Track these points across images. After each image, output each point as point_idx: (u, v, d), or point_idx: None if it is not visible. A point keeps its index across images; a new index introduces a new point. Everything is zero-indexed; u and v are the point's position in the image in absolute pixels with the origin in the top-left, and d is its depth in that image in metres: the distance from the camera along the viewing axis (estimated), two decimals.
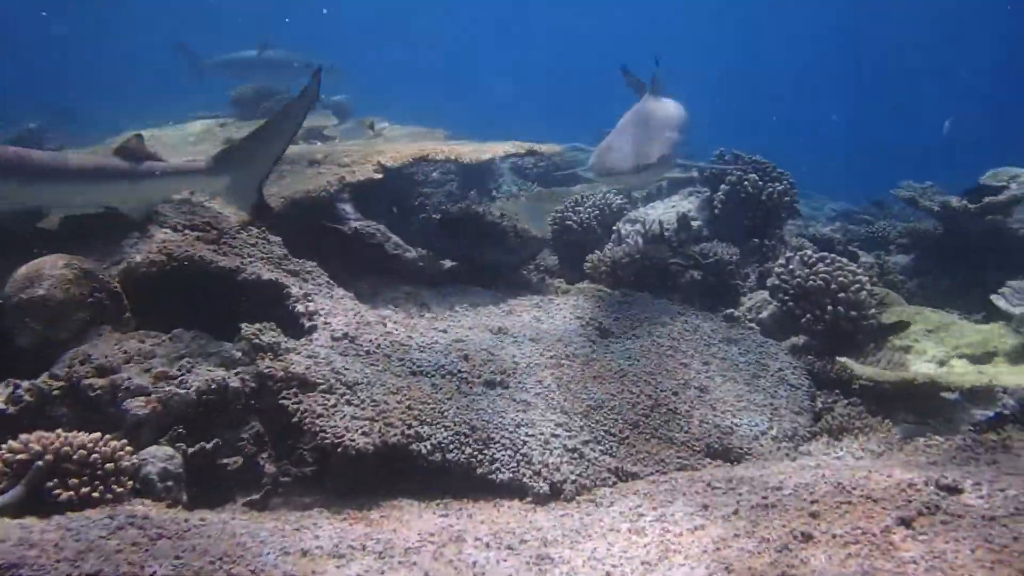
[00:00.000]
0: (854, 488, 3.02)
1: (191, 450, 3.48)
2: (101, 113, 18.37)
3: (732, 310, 6.61)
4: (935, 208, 8.43)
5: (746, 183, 8.00)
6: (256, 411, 3.95)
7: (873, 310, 5.82)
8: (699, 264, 7.38)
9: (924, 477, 3.05)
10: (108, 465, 3.02)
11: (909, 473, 3.14)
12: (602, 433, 4.40)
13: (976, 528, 2.62)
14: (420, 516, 3.48)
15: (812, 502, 2.98)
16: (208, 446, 3.53)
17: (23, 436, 3.02)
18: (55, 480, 2.92)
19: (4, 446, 3.00)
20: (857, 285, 5.77)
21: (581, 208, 8.53)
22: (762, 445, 4.45)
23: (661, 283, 7.18)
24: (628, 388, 4.89)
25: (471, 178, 11.30)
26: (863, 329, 5.74)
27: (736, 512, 3.07)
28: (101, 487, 2.96)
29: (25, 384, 3.50)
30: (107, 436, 3.19)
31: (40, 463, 2.89)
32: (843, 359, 5.28)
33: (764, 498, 3.11)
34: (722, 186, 8.29)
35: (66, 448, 2.96)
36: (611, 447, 4.30)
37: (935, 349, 5.66)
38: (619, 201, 9.10)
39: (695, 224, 8.65)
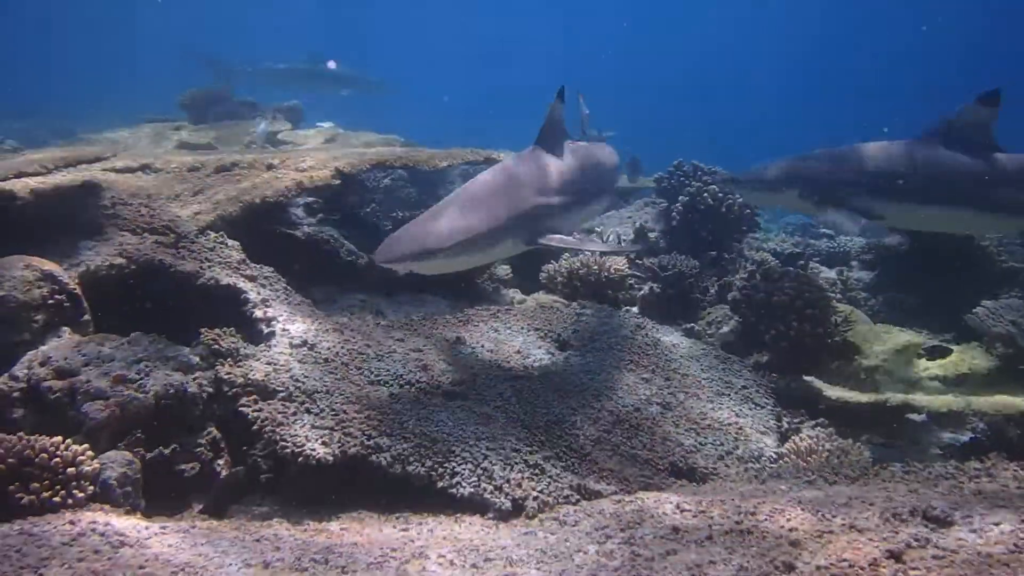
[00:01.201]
0: (834, 516, 3.14)
1: (149, 455, 3.52)
2: (42, 115, 17.80)
3: (692, 324, 6.89)
4: None
5: (706, 194, 8.35)
6: (213, 417, 3.99)
7: (840, 327, 6.14)
8: (657, 276, 7.67)
9: (909, 507, 3.09)
10: (70, 470, 3.05)
11: (891, 502, 3.24)
12: (564, 449, 4.54)
13: (974, 567, 2.54)
14: (380, 530, 3.54)
15: (790, 529, 3.07)
16: (166, 452, 3.55)
17: None
18: (17, 484, 2.92)
19: None
20: (824, 301, 6.10)
21: None
22: (728, 466, 4.68)
23: (617, 296, 7.42)
24: (589, 403, 5.06)
25: (422, 185, 11.39)
26: (828, 347, 6.04)
27: (710, 537, 3.17)
28: (63, 492, 2.99)
29: None
30: (68, 440, 3.20)
31: (2, 466, 2.89)
32: (809, 378, 5.57)
33: (738, 523, 3.24)
34: (680, 197, 8.62)
35: (28, 451, 2.99)
36: (573, 463, 4.44)
37: (905, 370, 5.98)
38: None
39: (652, 236, 8.98)
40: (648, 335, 6.23)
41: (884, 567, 2.70)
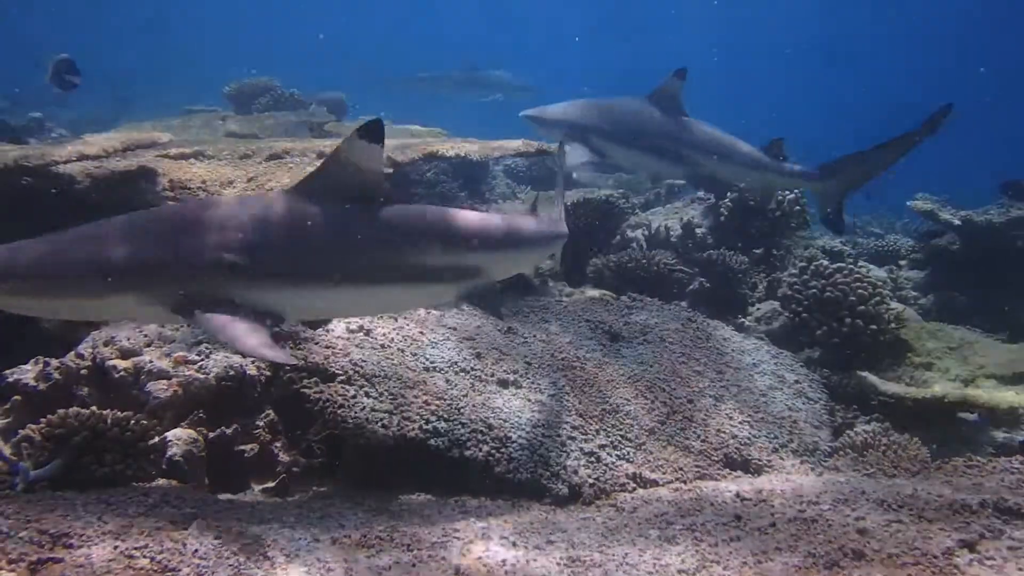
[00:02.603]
0: (901, 506, 3.10)
1: (211, 435, 3.57)
2: (88, 104, 18.31)
3: (742, 319, 6.81)
4: (955, 222, 8.64)
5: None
6: (270, 399, 4.04)
7: (892, 325, 6.04)
8: (706, 271, 7.60)
9: (978, 499, 3.07)
10: (140, 444, 3.12)
11: (959, 494, 3.20)
12: (618, 438, 4.53)
13: None
14: (439, 511, 3.57)
15: (857, 519, 3.03)
16: (228, 432, 3.61)
17: (61, 411, 3.14)
18: (91, 456, 3.00)
19: (43, 420, 3.10)
20: (877, 298, 6.00)
21: (582, 211, 8.70)
22: (782, 458, 4.62)
23: (666, 290, 7.37)
24: (642, 393, 5.04)
25: (465, 179, 11.43)
26: (881, 344, 5.95)
27: (773, 525, 3.14)
28: (135, 465, 3.05)
29: (54, 362, 3.60)
30: (138, 415, 3.27)
31: (77, 438, 2.98)
32: (863, 373, 5.48)
33: (801, 511, 3.21)
34: (729, 193, 8.52)
35: (101, 425, 3.08)
36: (628, 452, 4.42)
37: (959, 368, 5.85)
38: (622, 204, 9.29)
39: (699, 231, 8.89)
40: (700, 328, 6.17)
41: (959, 556, 2.69)
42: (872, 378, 5.47)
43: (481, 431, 4.10)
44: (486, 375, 4.76)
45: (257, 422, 4.03)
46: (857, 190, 6.61)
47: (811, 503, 3.34)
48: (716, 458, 4.56)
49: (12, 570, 2.09)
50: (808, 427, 5.07)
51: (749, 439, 4.79)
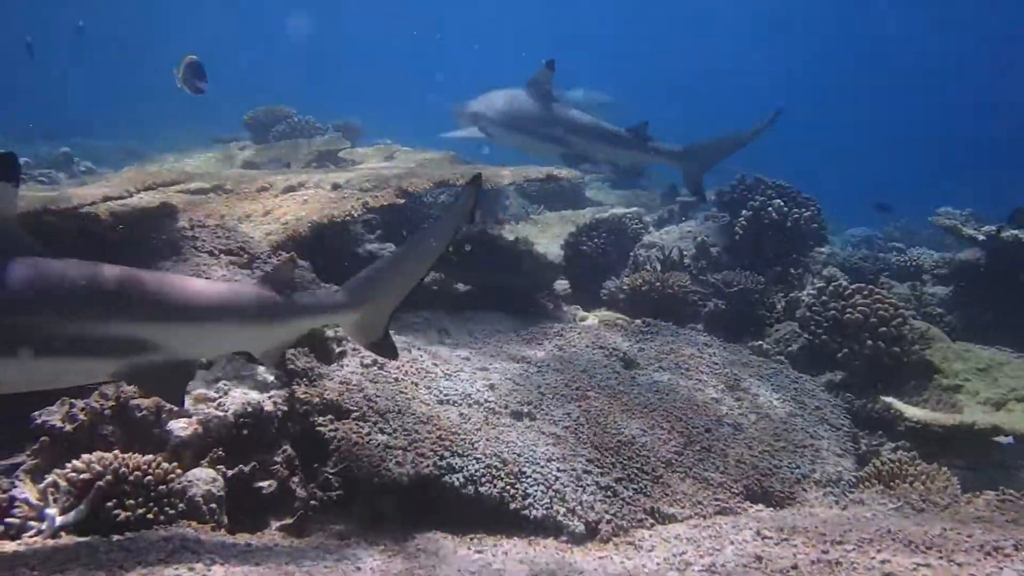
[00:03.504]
0: (929, 548, 3.03)
1: (230, 472, 3.61)
2: (108, 133, 18.58)
3: (760, 342, 6.77)
4: (980, 238, 8.52)
5: (770, 209, 8.21)
6: (287, 435, 4.08)
7: (916, 346, 5.95)
8: (722, 293, 7.57)
9: (1012, 541, 3.00)
10: (161, 487, 3.16)
11: (991, 534, 3.13)
12: (635, 471, 4.50)
13: None
14: (455, 551, 3.56)
15: (883, 561, 2.98)
16: (246, 469, 3.65)
17: (85, 456, 3.19)
18: (114, 500, 3.06)
19: (68, 466, 3.17)
20: (899, 319, 5.93)
21: (595, 233, 8.71)
22: (805, 490, 4.57)
23: (681, 312, 7.35)
24: (659, 423, 5.01)
25: (478, 200, 11.48)
26: (905, 366, 5.87)
27: (795, 567, 3.10)
28: (155, 508, 3.11)
29: (80, 404, 3.65)
30: (159, 458, 3.33)
31: (101, 483, 3.03)
32: (888, 399, 5.41)
33: (824, 552, 3.16)
34: (743, 211, 8.50)
35: (123, 469, 3.12)
36: (645, 486, 4.39)
37: (989, 390, 5.73)
38: (634, 226, 9.30)
39: (714, 250, 8.86)
40: (716, 353, 6.15)
41: None
42: (897, 403, 5.39)
43: (496, 466, 4.09)
44: (500, 407, 4.77)
45: (275, 458, 4.03)
46: (710, 169, 7.89)
47: (835, 543, 3.29)
48: (736, 490, 4.52)
49: None
50: (831, 455, 5.01)
51: (770, 469, 4.74)
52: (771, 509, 4.34)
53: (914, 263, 10.04)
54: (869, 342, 5.83)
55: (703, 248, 8.51)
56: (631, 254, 8.68)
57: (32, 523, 3.05)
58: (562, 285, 8.38)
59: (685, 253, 8.47)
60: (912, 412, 5.27)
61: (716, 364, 5.96)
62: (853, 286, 6.40)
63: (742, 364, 6.06)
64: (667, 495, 4.35)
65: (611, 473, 4.40)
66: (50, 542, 2.88)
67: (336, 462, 4.15)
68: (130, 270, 3.04)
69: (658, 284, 7.40)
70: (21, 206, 5.03)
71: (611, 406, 5.13)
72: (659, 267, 8.15)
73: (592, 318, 7.32)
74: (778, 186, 8.62)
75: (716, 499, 4.39)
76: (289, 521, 3.82)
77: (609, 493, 4.23)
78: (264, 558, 2.93)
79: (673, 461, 4.66)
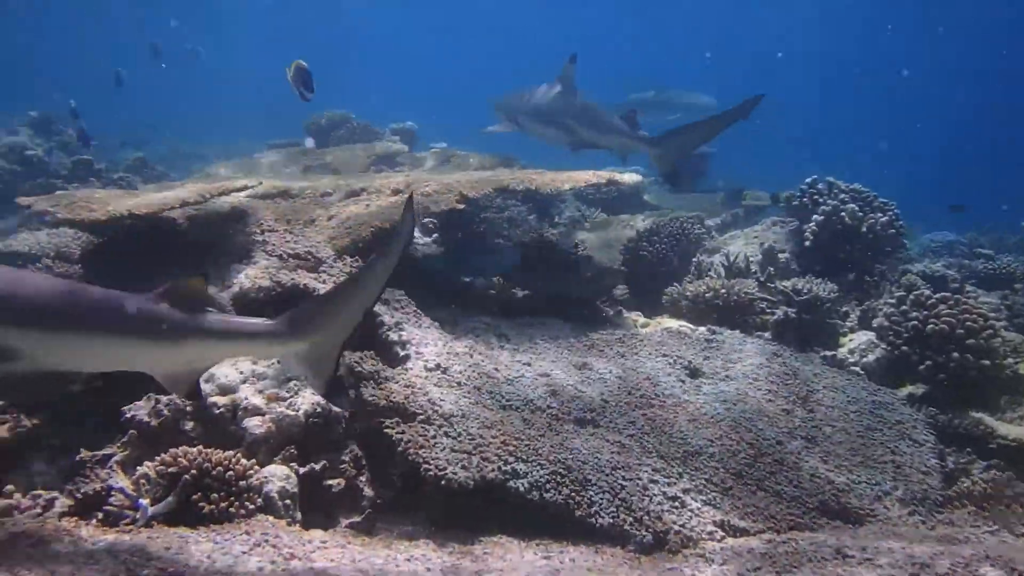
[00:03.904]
0: None
1: (302, 470, 3.75)
2: (176, 138, 19.28)
3: (833, 352, 6.63)
4: None
5: (843, 213, 8.04)
6: (354, 435, 4.21)
7: (1009, 359, 5.73)
8: (791, 301, 7.43)
9: None
10: (241, 482, 3.32)
11: None
12: (703, 482, 4.48)
13: None
14: (522, 556, 3.60)
15: None
16: (317, 467, 3.78)
17: (172, 451, 3.43)
18: (199, 494, 3.26)
19: (157, 459, 3.38)
20: (990, 331, 5.72)
21: (656, 238, 8.66)
22: (887, 508, 4.46)
23: (748, 320, 7.24)
24: (727, 434, 4.96)
25: (534, 203, 11.54)
26: (996, 380, 5.66)
27: None
28: (236, 503, 3.26)
29: (164, 399, 3.88)
30: (238, 455, 3.49)
31: (187, 477, 3.21)
32: (978, 414, 5.21)
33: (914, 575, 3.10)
34: (814, 216, 8.33)
35: (207, 464, 3.31)
36: (714, 498, 4.36)
37: None
38: (696, 231, 9.21)
39: (782, 256, 8.71)
40: (786, 363, 6.05)
41: None
42: (987, 420, 5.19)
43: (560, 473, 4.13)
44: (563, 413, 4.80)
45: (343, 457, 4.18)
46: (686, 156, 8.53)
47: (924, 566, 3.21)
48: (811, 505, 4.44)
49: None
50: (915, 472, 4.86)
51: (847, 485, 4.64)
52: (850, 526, 4.24)
53: (1005, 271, 9.62)
54: (955, 354, 5.63)
55: (771, 254, 8.38)
56: (693, 260, 8.59)
57: (127, 512, 3.25)
58: (621, 289, 8.36)
59: (751, 259, 8.34)
60: (1007, 430, 5.06)
61: (786, 374, 5.86)
62: (937, 296, 6.20)
63: (814, 375, 5.94)
64: (737, 508, 4.31)
65: (678, 483, 4.39)
66: (144, 531, 3.05)
67: (401, 463, 4.26)
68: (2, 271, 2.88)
69: (723, 291, 7.31)
70: (108, 210, 5.36)
71: (676, 415, 5.11)
72: (724, 273, 8.06)
73: (653, 325, 7.29)
74: (852, 190, 8.43)
75: (790, 513, 4.33)
76: (357, 519, 3.95)
77: (677, 504, 4.22)
78: (338, 555, 3.04)
79: (743, 473, 4.62)
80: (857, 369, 6.39)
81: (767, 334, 7.14)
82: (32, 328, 2.77)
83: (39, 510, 3.53)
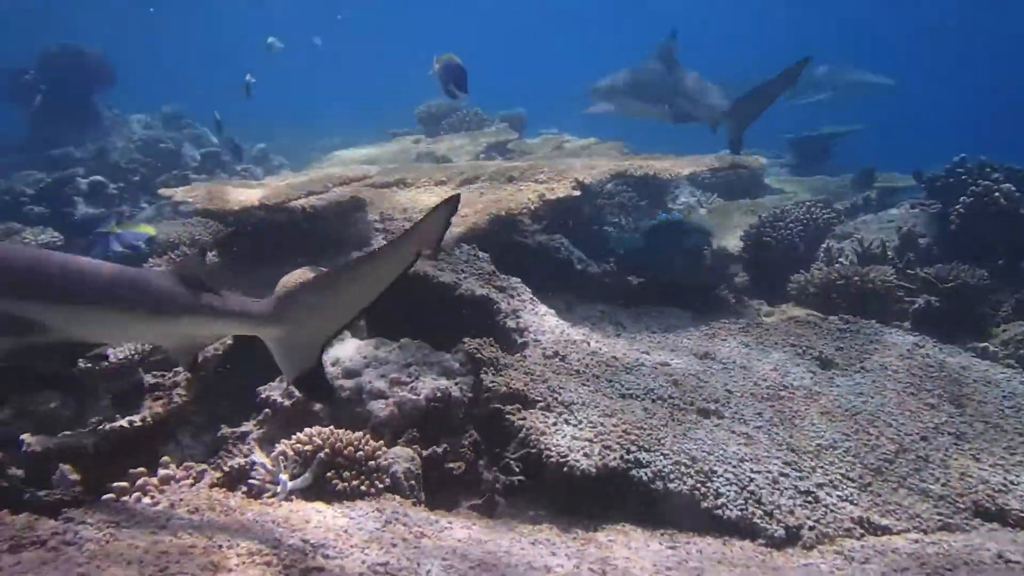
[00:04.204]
0: None
1: (425, 453, 3.88)
2: (292, 129, 20.25)
3: (984, 344, 6.19)
4: None
5: (997, 194, 7.46)
6: (471, 420, 4.30)
7: None
8: (934, 288, 6.98)
9: None
10: (370, 462, 3.48)
11: None
12: (838, 476, 4.29)
13: None
14: (647, 545, 3.58)
15: None
16: (439, 450, 3.90)
17: (307, 430, 3.65)
18: (332, 471, 3.46)
19: (294, 438, 3.60)
20: None
21: (781, 223, 8.33)
22: None
23: (884, 309, 6.86)
24: (863, 428, 4.73)
25: (645, 189, 11.37)
26: None
27: None
28: (367, 481, 3.42)
29: None
30: (367, 436, 3.66)
31: (322, 455, 3.40)
32: None
33: None
34: (962, 198, 7.79)
35: (339, 444, 3.50)
36: (851, 494, 4.17)
37: None
38: (825, 215, 8.79)
39: (923, 242, 8.20)
40: (929, 355, 5.69)
41: None
42: None
43: (684, 463, 4.06)
44: (685, 403, 4.72)
45: (463, 441, 4.28)
46: (751, 123, 8.33)
47: None
48: (962, 505, 4.16)
49: (287, 574, 2.44)
50: None
51: (1005, 485, 4.32)
52: (1009, 529, 3.95)
53: None
54: None
55: (909, 239, 7.90)
56: (822, 246, 8.22)
57: (268, 485, 3.47)
58: (742, 279, 8.12)
59: (887, 244, 7.89)
60: None
61: (930, 367, 5.51)
62: None
63: (962, 368, 5.56)
64: (878, 504, 4.10)
65: (811, 477, 4.22)
66: (286, 504, 3.25)
67: (517, 448, 4.33)
68: (18, 248, 3.04)
69: (856, 278, 6.95)
70: (240, 200, 5.75)
71: (808, 407, 4.92)
72: (856, 259, 7.66)
73: (778, 314, 7.04)
74: (1007, 168, 7.80)
75: (939, 514, 4.07)
76: (478, 502, 4.04)
77: (810, 498, 4.06)
78: (465, 535, 3.12)
79: (883, 469, 4.39)
80: (1012, 362, 5.93)
81: (906, 324, 6.75)
82: (56, 303, 2.96)
83: (191, 481, 3.85)
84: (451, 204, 2.85)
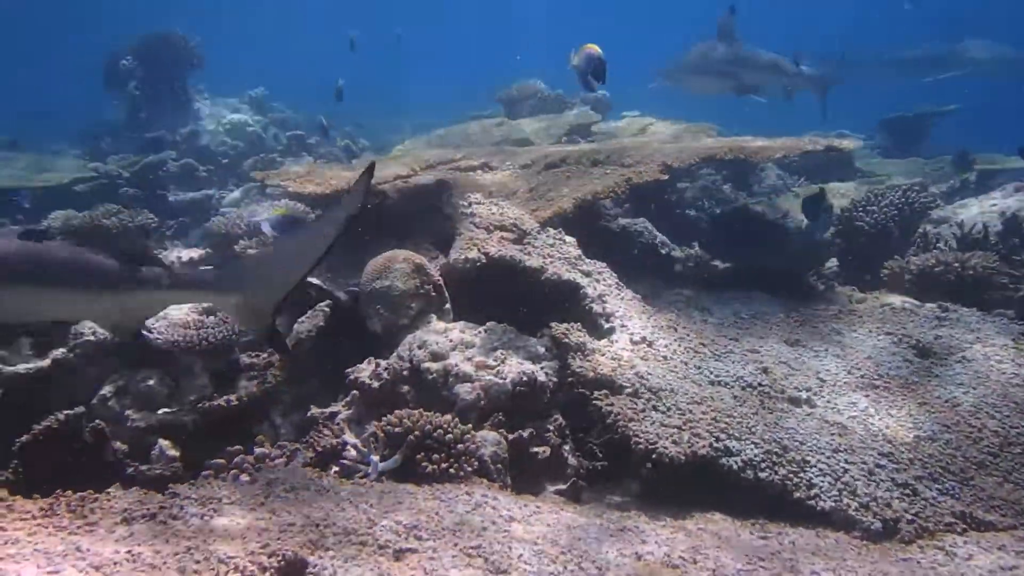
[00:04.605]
0: None
1: (511, 437, 3.91)
2: (373, 114, 20.56)
3: None
4: None
5: None
6: (556, 404, 4.32)
7: None
8: None
9: None
10: (459, 446, 3.54)
11: None
12: (938, 470, 4.12)
13: None
14: (737, 535, 3.53)
15: None
16: (524, 434, 3.93)
17: (397, 412, 3.73)
18: (422, 454, 3.48)
19: (384, 420, 3.67)
20: None
21: (875, 207, 7.98)
22: None
23: (987, 297, 6.51)
24: (965, 420, 4.53)
25: (730, 171, 11.08)
26: None
27: None
28: (456, 464, 3.47)
29: (383, 363, 4.22)
30: (456, 419, 3.72)
31: (411, 438, 3.48)
32: None
33: None
34: None
35: (428, 426, 3.55)
36: (952, 487, 4.00)
37: None
38: (921, 199, 8.37)
39: None
40: None
41: None
42: None
43: (776, 452, 3.98)
44: (775, 391, 4.61)
45: (547, 426, 4.30)
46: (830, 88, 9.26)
47: None
48: None
49: (382, 554, 2.50)
50: None
51: None
52: None
53: None
54: None
55: (1015, 223, 7.44)
56: (918, 231, 7.83)
57: (360, 465, 3.57)
58: (832, 264, 7.83)
59: (990, 228, 7.47)
60: None
61: None
62: None
63: None
64: (980, 499, 3.92)
65: (909, 470, 4.07)
66: (377, 485, 3.34)
67: (601, 431, 4.32)
68: None
69: (956, 264, 6.60)
70: (330, 183, 5.89)
71: (904, 397, 4.74)
72: (956, 245, 7.28)
73: (871, 301, 6.76)
74: None
75: None
76: (563, 487, 4.06)
77: (908, 491, 3.92)
78: (553, 522, 3.14)
79: (987, 463, 4.19)
80: None
81: (1010, 312, 6.38)
82: (8, 285, 3.05)
83: (284, 460, 3.99)
84: (369, 172, 3.11)
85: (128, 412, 4.62)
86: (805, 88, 9.82)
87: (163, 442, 4.34)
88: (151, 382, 4.77)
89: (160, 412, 4.64)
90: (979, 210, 8.48)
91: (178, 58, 15.65)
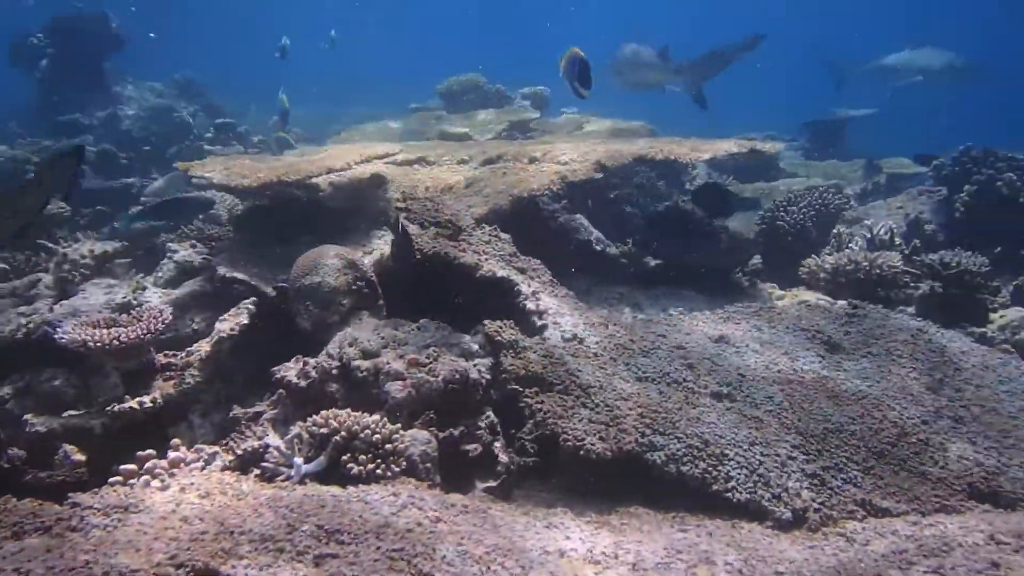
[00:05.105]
0: None
1: (442, 435, 3.92)
2: (310, 102, 19.98)
3: (983, 329, 6.21)
4: None
5: (1000, 183, 7.43)
6: (489, 402, 4.35)
7: None
8: (938, 274, 6.99)
9: None
10: (387, 446, 3.53)
11: None
12: (844, 460, 4.35)
13: None
14: (659, 528, 3.65)
15: None
16: (455, 432, 3.95)
17: (323, 413, 3.64)
18: (348, 455, 3.47)
19: (309, 420, 3.60)
20: None
21: (794, 208, 8.32)
22: None
23: (891, 295, 6.88)
24: (869, 412, 4.78)
25: (663, 169, 11.30)
26: None
27: None
28: (383, 465, 3.47)
29: (312, 362, 4.15)
30: (384, 419, 3.70)
31: (337, 439, 3.44)
32: None
33: None
34: (966, 186, 7.76)
35: (355, 427, 3.52)
36: (855, 476, 4.23)
37: None
38: (836, 200, 8.76)
39: (929, 228, 8.18)
40: (932, 340, 5.71)
41: None
42: None
43: (697, 447, 4.13)
44: (699, 387, 4.77)
45: (479, 423, 4.31)
46: (707, 81, 9.06)
47: None
48: (958, 488, 4.23)
49: (300, 560, 2.48)
50: None
51: (998, 468, 4.38)
52: (1001, 511, 4.02)
53: None
54: None
55: (917, 225, 7.88)
56: (833, 231, 8.20)
57: (283, 468, 3.52)
58: (756, 262, 8.12)
59: (895, 230, 7.88)
60: None
61: (932, 352, 5.54)
62: None
63: (962, 352, 5.59)
64: (880, 487, 4.17)
65: (818, 461, 4.29)
66: (300, 488, 3.30)
67: (533, 427, 4.39)
68: None
69: (865, 264, 6.96)
70: (258, 176, 5.73)
71: (816, 392, 4.96)
72: (866, 245, 7.66)
73: (789, 298, 7.07)
74: (1010, 158, 7.75)
75: (935, 495, 4.14)
76: (493, 484, 4.07)
77: (816, 481, 4.13)
78: (480, 519, 3.17)
79: (885, 452, 4.45)
80: (1008, 347, 5.97)
81: (911, 309, 6.77)
82: None
83: (202, 464, 3.83)
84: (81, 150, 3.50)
85: (28, 416, 4.32)
86: (672, 82, 9.93)
87: (67, 447, 4.04)
88: (56, 382, 4.50)
89: (65, 415, 4.36)
90: (886, 212, 8.94)
91: (97, 37, 14.49)
